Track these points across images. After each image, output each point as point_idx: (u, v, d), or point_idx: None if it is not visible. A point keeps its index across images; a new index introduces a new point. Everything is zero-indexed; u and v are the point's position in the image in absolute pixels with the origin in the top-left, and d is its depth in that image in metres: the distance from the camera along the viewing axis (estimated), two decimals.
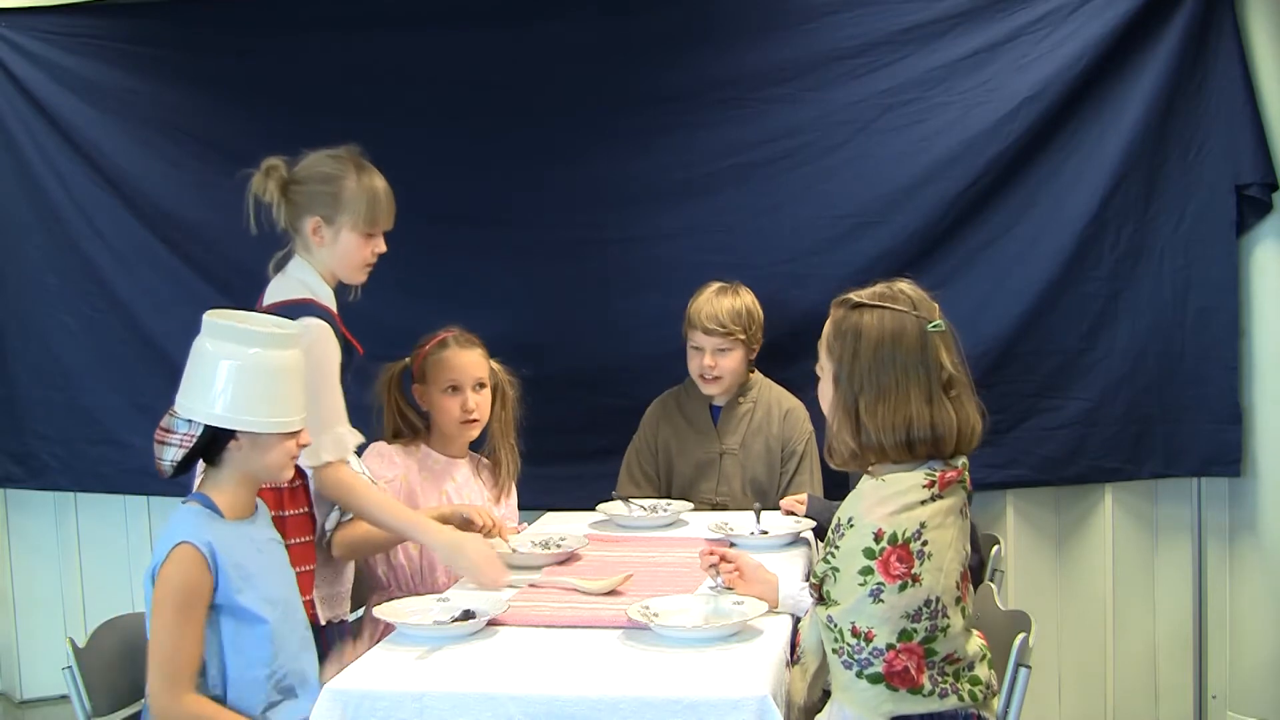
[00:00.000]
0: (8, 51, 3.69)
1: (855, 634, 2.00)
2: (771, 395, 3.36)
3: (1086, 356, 3.46)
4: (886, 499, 2.03)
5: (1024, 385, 3.47)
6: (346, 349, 2.57)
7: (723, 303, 3.28)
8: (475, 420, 2.89)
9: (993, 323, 3.45)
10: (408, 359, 2.97)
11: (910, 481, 2.04)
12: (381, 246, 2.66)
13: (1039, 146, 3.41)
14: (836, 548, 2.06)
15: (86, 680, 2.21)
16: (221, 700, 2.15)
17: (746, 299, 3.32)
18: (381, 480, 2.74)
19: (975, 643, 2.10)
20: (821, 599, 2.10)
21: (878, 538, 2.00)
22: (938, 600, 2.00)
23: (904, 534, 2.00)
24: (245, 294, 3.57)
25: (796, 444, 3.29)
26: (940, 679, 2.02)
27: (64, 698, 2.24)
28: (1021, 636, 2.12)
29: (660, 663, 2.03)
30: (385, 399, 2.95)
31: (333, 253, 2.60)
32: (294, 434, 2.23)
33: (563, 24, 3.55)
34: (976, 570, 2.64)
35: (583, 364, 3.54)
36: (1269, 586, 3.45)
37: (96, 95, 3.67)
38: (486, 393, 2.91)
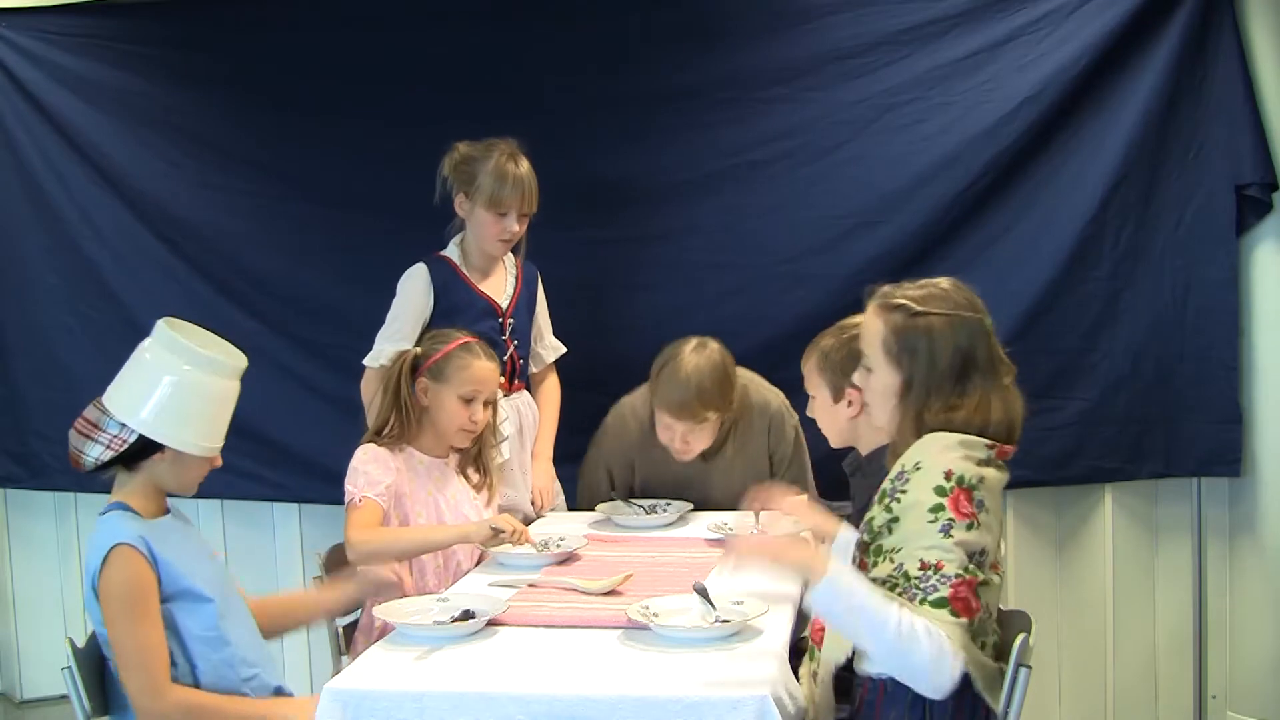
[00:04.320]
0: (8, 51, 3.69)
1: (924, 567, 1.99)
2: (751, 408, 3.21)
3: (1086, 356, 3.46)
4: (951, 446, 2.06)
5: (1024, 385, 3.45)
6: (445, 295, 3.10)
7: (692, 383, 3.03)
8: (473, 432, 2.88)
9: (993, 323, 3.45)
10: (418, 350, 2.93)
11: (974, 441, 2.07)
12: (514, 226, 3.11)
13: (1039, 147, 3.41)
14: (899, 497, 2.06)
15: (86, 680, 2.21)
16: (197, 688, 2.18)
17: (717, 364, 3.08)
18: (381, 485, 2.73)
19: (993, 626, 2.12)
20: (864, 563, 2.09)
21: (948, 476, 2.02)
22: (986, 554, 2.03)
23: (969, 478, 2.03)
24: (245, 294, 3.62)
25: (785, 449, 3.23)
26: (984, 624, 2.04)
27: (64, 698, 2.23)
28: (1022, 636, 2.11)
29: (660, 663, 2.03)
30: (391, 388, 2.90)
31: (472, 224, 3.14)
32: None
33: (563, 24, 3.55)
34: None
35: (582, 364, 3.53)
36: (1269, 586, 3.45)
37: (96, 95, 3.67)
38: (491, 408, 2.91)
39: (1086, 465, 3.49)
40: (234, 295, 3.62)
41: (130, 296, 3.66)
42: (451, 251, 3.19)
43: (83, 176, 3.69)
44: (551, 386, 3.37)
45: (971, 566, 1.99)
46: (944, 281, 2.20)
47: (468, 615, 2.23)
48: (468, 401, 2.84)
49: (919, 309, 2.14)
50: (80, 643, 2.26)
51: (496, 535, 2.64)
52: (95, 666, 2.26)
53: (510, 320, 3.20)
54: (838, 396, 2.67)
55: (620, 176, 3.55)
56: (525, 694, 1.92)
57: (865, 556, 2.10)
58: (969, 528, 2.00)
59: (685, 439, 3.12)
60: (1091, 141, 3.40)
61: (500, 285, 3.22)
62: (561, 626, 2.24)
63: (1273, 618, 3.44)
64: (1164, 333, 3.43)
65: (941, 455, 2.05)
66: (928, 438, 2.08)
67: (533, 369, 3.32)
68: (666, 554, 2.77)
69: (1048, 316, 3.45)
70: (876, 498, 2.11)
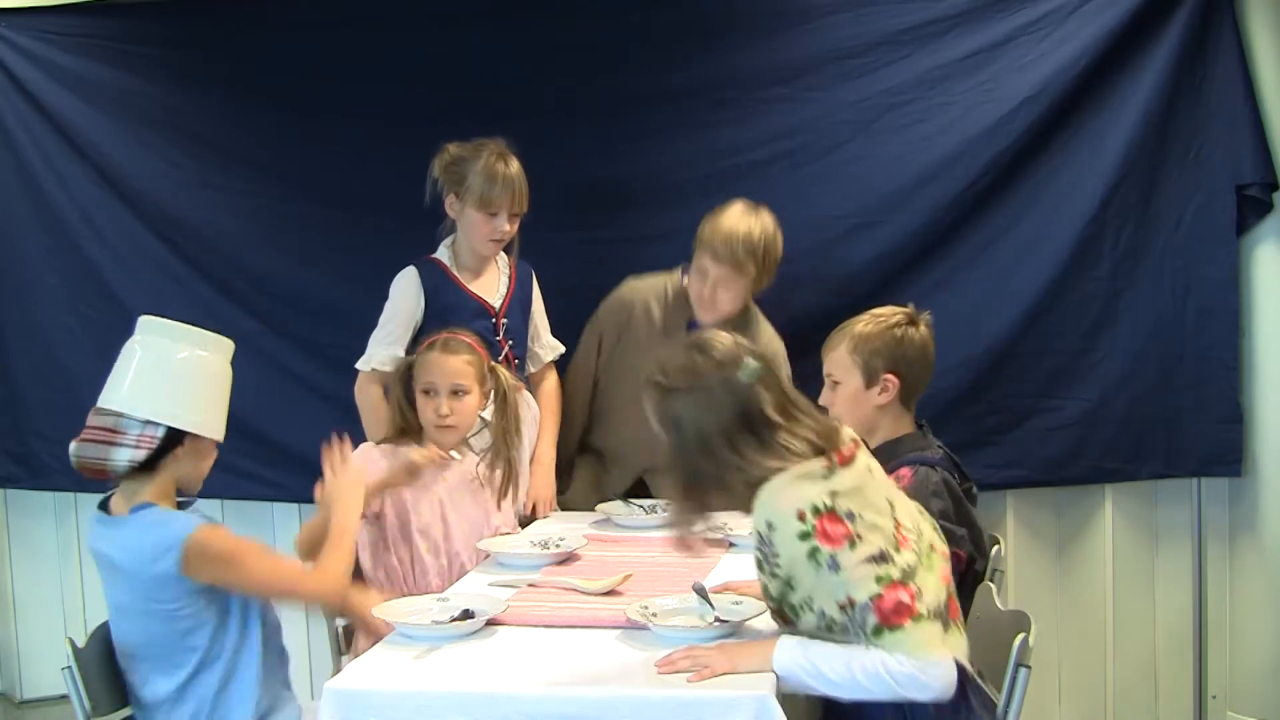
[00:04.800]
0: (8, 51, 3.68)
1: (841, 609, 1.96)
2: (762, 336, 3.23)
3: (1086, 357, 3.46)
4: (785, 488, 1.99)
5: (1024, 385, 3.47)
6: (436, 297, 3.10)
7: (741, 229, 3.11)
8: (449, 426, 2.87)
9: (993, 323, 3.45)
10: (413, 356, 2.96)
11: (806, 470, 2.00)
12: (504, 225, 3.11)
13: (1039, 147, 3.41)
14: (776, 561, 2.01)
15: (86, 680, 2.21)
16: (254, 669, 2.28)
17: (767, 224, 3.15)
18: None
19: (941, 586, 2.07)
20: (788, 619, 2.07)
21: (801, 517, 1.96)
22: (886, 552, 1.97)
23: (822, 503, 1.96)
24: (245, 294, 3.62)
25: None
26: (935, 605, 2.00)
27: (64, 698, 2.24)
28: (1021, 636, 2.11)
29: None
30: (393, 392, 2.95)
31: (462, 224, 3.15)
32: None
33: (562, 24, 3.54)
34: (980, 572, 2.63)
35: None
36: (1269, 586, 3.45)
37: (96, 95, 3.66)
38: (469, 399, 2.86)
39: (1086, 465, 3.49)
40: (234, 295, 3.62)
41: (130, 296, 3.66)
42: (442, 253, 3.20)
43: (83, 176, 3.69)
44: (551, 388, 3.36)
45: (883, 572, 1.95)
46: (715, 336, 2.11)
47: (467, 615, 2.23)
48: (430, 395, 2.84)
49: (667, 386, 2.07)
50: (80, 643, 2.26)
51: (415, 469, 2.73)
52: (95, 666, 2.26)
53: (504, 320, 3.19)
54: (870, 382, 2.66)
55: (620, 176, 3.55)
56: (524, 694, 1.92)
57: (788, 616, 2.06)
58: (852, 546, 1.95)
59: (716, 289, 3.14)
60: (1091, 141, 3.40)
61: (492, 285, 3.22)
62: (561, 626, 2.24)
63: (1273, 618, 3.44)
64: (1164, 333, 3.43)
65: (782, 502, 1.99)
66: (760, 496, 2.01)
67: (530, 369, 3.32)
68: (666, 554, 2.76)
69: (1048, 316, 3.44)
70: (757, 566, 2.06)
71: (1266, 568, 3.45)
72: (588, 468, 3.43)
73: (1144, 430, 3.46)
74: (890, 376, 2.63)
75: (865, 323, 2.70)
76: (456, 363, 2.85)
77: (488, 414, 2.97)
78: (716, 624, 2.15)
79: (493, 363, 2.98)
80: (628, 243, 3.56)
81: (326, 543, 2.38)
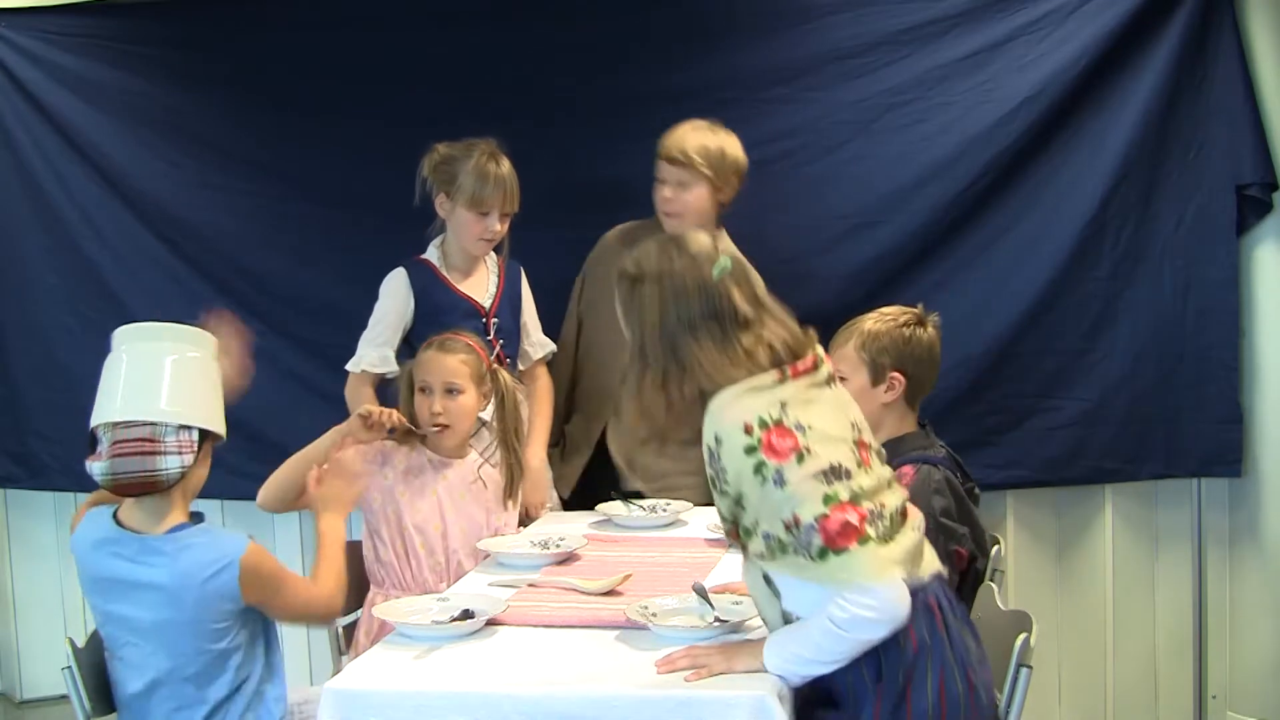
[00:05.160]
0: (8, 51, 3.68)
1: (786, 528, 1.90)
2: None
3: (1086, 357, 3.46)
4: (732, 401, 1.94)
5: (1024, 386, 3.48)
6: (425, 299, 3.10)
7: (692, 136, 3.18)
8: (443, 425, 2.87)
9: (993, 323, 3.45)
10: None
11: (757, 382, 1.95)
12: (495, 225, 3.10)
13: (1039, 147, 3.41)
14: (725, 478, 1.94)
15: (86, 680, 2.21)
16: (280, 688, 2.30)
17: (723, 139, 3.19)
18: (364, 474, 2.78)
19: (895, 499, 2.01)
20: (745, 546, 2.00)
21: (747, 430, 1.90)
22: (840, 465, 1.92)
23: (771, 415, 1.91)
24: (245, 294, 3.62)
25: None
26: (889, 528, 1.93)
27: (64, 698, 2.24)
28: (1023, 637, 2.11)
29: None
30: (401, 395, 2.95)
31: (452, 224, 3.14)
32: None
33: (562, 24, 3.55)
34: (980, 571, 2.64)
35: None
36: (1269, 587, 3.45)
37: (96, 95, 3.66)
38: (464, 399, 2.86)
39: (1087, 466, 3.49)
40: (234, 295, 3.62)
41: (130, 296, 3.66)
42: (431, 254, 3.19)
43: (83, 176, 3.69)
44: (543, 388, 3.33)
45: (831, 491, 1.88)
46: (673, 238, 2.07)
47: (467, 615, 2.23)
48: (424, 393, 2.85)
49: (634, 275, 2.05)
50: (80, 643, 2.26)
51: (365, 422, 2.72)
52: (95, 666, 2.26)
53: (494, 320, 3.19)
54: (877, 380, 2.66)
55: (620, 176, 3.54)
56: (524, 694, 1.92)
57: (741, 540, 2.00)
58: (800, 460, 1.89)
59: (673, 190, 3.19)
60: (1091, 141, 3.40)
61: (482, 285, 3.21)
62: (561, 626, 2.23)
63: (1273, 618, 3.44)
64: (1164, 333, 3.43)
65: (730, 415, 1.92)
66: (709, 408, 1.95)
67: (520, 367, 3.31)
68: (666, 554, 2.76)
69: (1048, 316, 3.45)
70: (710, 485, 2.00)
71: (1266, 568, 3.46)
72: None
73: (1144, 430, 3.46)
74: (897, 375, 2.63)
75: (874, 321, 2.70)
76: (451, 361, 2.86)
77: (487, 414, 2.97)
78: (716, 624, 2.15)
79: (493, 364, 2.98)
80: None
81: (318, 554, 2.38)
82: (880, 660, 1.94)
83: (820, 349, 2.06)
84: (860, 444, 1.99)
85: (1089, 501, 3.62)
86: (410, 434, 2.87)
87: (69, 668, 2.20)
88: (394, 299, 3.13)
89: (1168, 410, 3.45)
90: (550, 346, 3.36)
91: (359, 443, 2.80)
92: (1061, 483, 3.55)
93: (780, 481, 1.89)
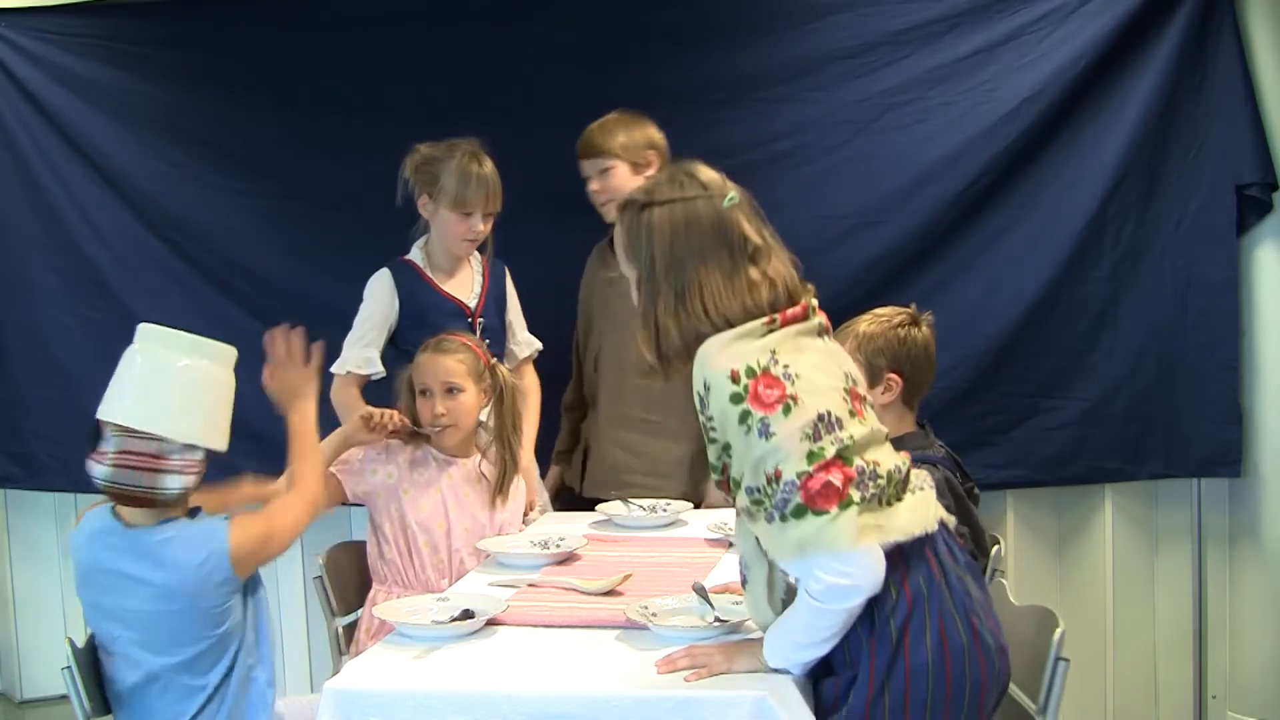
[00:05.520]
0: (8, 51, 3.69)
1: (768, 481, 1.85)
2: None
3: (1086, 356, 3.46)
4: (725, 344, 1.91)
5: (1024, 385, 3.47)
6: (410, 299, 3.09)
7: (596, 129, 3.26)
8: (445, 425, 2.88)
9: (993, 323, 3.45)
10: None
11: (743, 329, 1.92)
12: (479, 225, 3.10)
13: (1039, 147, 3.41)
14: (712, 423, 1.91)
15: (86, 680, 2.21)
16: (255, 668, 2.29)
17: (626, 120, 3.27)
18: (352, 462, 2.82)
19: (889, 456, 1.96)
20: (732, 490, 1.96)
21: (734, 378, 1.87)
22: (830, 414, 1.87)
23: (759, 363, 1.87)
24: (245, 294, 3.62)
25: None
26: (871, 486, 1.88)
27: (64, 698, 2.24)
28: (1059, 631, 2.16)
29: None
30: (402, 398, 2.96)
31: (436, 225, 3.13)
32: None
33: (562, 25, 3.55)
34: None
35: None
36: (1269, 586, 3.45)
37: (96, 95, 3.67)
38: (464, 397, 2.87)
39: (1086, 465, 3.49)
40: (234, 295, 3.62)
41: (130, 296, 3.66)
42: (415, 255, 3.17)
43: (83, 176, 3.69)
44: (529, 387, 3.31)
45: (816, 448, 1.84)
46: (693, 165, 2.07)
47: (467, 615, 2.23)
48: (424, 395, 2.86)
49: (645, 201, 2.02)
50: (80, 643, 2.26)
51: (367, 424, 2.74)
52: (95, 667, 2.26)
53: (480, 320, 3.19)
54: (874, 381, 2.66)
55: None
56: (524, 694, 1.92)
57: (731, 492, 1.96)
58: (786, 411, 1.84)
59: (599, 181, 3.27)
60: (1091, 141, 3.40)
61: (467, 286, 3.20)
62: (561, 626, 2.23)
63: (1273, 618, 3.44)
64: (1164, 333, 3.43)
65: (718, 362, 1.89)
66: (699, 353, 1.93)
67: (507, 366, 3.29)
68: (666, 554, 2.76)
69: (1048, 316, 3.45)
70: (703, 431, 1.96)
71: (1266, 568, 3.46)
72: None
73: (1144, 430, 3.46)
74: (893, 376, 2.63)
75: (868, 322, 2.70)
76: (449, 361, 2.87)
77: (484, 413, 2.97)
78: (716, 624, 2.15)
79: (493, 361, 2.98)
80: None
81: (291, 453, 2.41)
82: (874, 615, 1.90)
83: (815, 301, 2.04)
84: (853, 394, 1.96)
85: (1089, 501, 3.62)
86: (415, 435, 2.87)
87: (69, 668, 2.19)
88: (378, 300, 3.11)
89: (1168, 410, 3.45)
90: (536, 345, 3.36)
91: (360, 444, 2.81)
92: (1061, 483, 3.55)
93: (765, 433, 1.85)
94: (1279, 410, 3.41)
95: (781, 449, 1.85)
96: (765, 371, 1.87)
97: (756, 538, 1.95)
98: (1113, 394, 3.45)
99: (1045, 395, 3.47)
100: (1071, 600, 3.64)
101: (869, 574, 1.85)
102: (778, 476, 1.85)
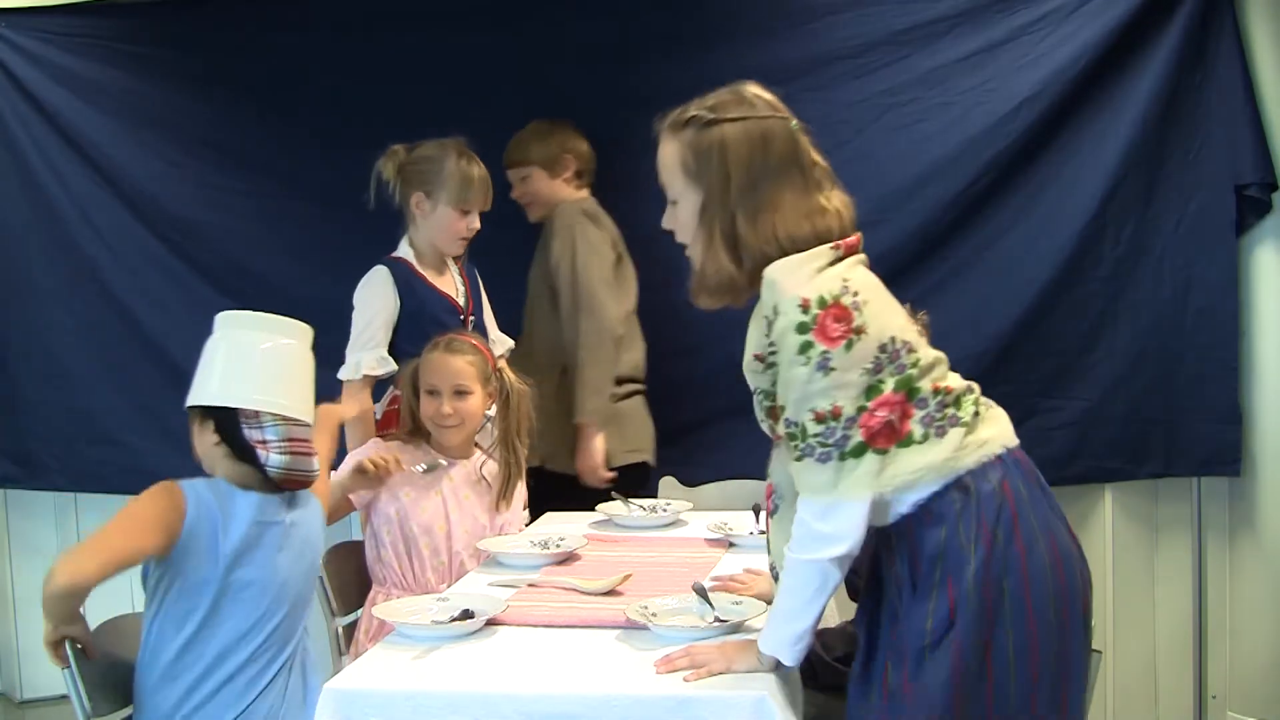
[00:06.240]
0: (8, 51, 3.69)
1: (820, 419, 1.81)
2: (560, 217, 3.43)
3: (1086, 357, 3.46)
4: (797, 269, 1.85)
5: (1024, 385, 3.47)
6: (410, 295, 3.07)
7: (512, 142, 3.44)
8: (452, 426, 2.88)
9: (993, 323, 3.45)
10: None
11: (813, 254, 1.88)
12: (475, 224, 3.13)
13: (1039, 146, 3.41)
14: (772, 348, 1.86)
15: (86, 680, 2.21)
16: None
17: (540, 126, 3.44)
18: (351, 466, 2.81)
19: (957, 378, 1.94)
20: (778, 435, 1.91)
21: (805, 307, 1.82)
22: (893, 340, 1.85)
23: (831, 293, 1.82)
24: (244, 293, 3.61)
25: None
26: (937, 415, 1.86)
27: (64, 698, 2.23)
28: (1092, 624, 2.12)
29: None
30: (404, 395, 2.96)
31: (431, 224, 3.13)
32: None
33: (562, 25, 3.55)
34: None
35: None
36: (1269, 587, 3.45)
37: (96, 95, 3.67)
38: (472, 399, 2.87)
39: (1087, 465, 3.49)
40: (234, 295, 3.61)
41: (130, 297, 3.67)
42: (405, 252, 3.17)
43: (83, 176, 3.69)
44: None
45: (875, 381, 1.82)
46: (746, 86, 2.02)
47: (467, 615, 2.23)
48: (432, 395, 2.86)
49: (713, 118, 1.96)
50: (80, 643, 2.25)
51: (364, 475, 2.73)
52: (95, 666, 2.26)
53: (471, 318, 3.21)
54: None
55: (621, 176, 3.55)
56: (524, 694, 1.92)
57: (775, 424, 1.92)
58: (849, 347, 1.80)
59: (518, 187, 3.46)
60: (1091, 141, 3.40)
61: (451, 285, 3.21)
62: (561, 626, 2.23)
63: (1273, 618, 3.44)
64: (1164, 333, 3.43)
65: (789, 287, 1.84)
66: (768, 276, 1.87)
67: None
68: (666, 554, 2.77)
69: (1048, 316, 3.45)
70: (754, 358, 1.93)
71: (1266, 567, 3.45)
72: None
73: (1144, 430, 3.46)
74: None
75: None
76: (460, 363, 2.87)
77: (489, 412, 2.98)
78: (716, 624, 2.15)
79: (498, 363, 2.99)
80: (628, 242, 3.56)
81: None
82: (978, 518, 1.86)
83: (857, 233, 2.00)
84: (909, 318, 1.94)
85: (1089, 500, 3.63)
86: (413, 433, 2.88)
87: (69, 668, 2.19)
88: (381, 299, 3.09)
89: (1167, 410, 3.45)
90: (509, 343, 3.36)
91: (359, 491, 2.80)
92: (1062, 482, 3.54)
93: (824, 367, 1.81)
94: (1278, 410, 3.41)
95: (837, 386, 1.81)
96: (836, 302, 1.83)
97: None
98: (1113, 394, 3.45)
99: (1045, 395, 3.47)
100: None
101: (846, 527, 1.82)
102: (835, 414, 1.81)
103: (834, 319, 1.82)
